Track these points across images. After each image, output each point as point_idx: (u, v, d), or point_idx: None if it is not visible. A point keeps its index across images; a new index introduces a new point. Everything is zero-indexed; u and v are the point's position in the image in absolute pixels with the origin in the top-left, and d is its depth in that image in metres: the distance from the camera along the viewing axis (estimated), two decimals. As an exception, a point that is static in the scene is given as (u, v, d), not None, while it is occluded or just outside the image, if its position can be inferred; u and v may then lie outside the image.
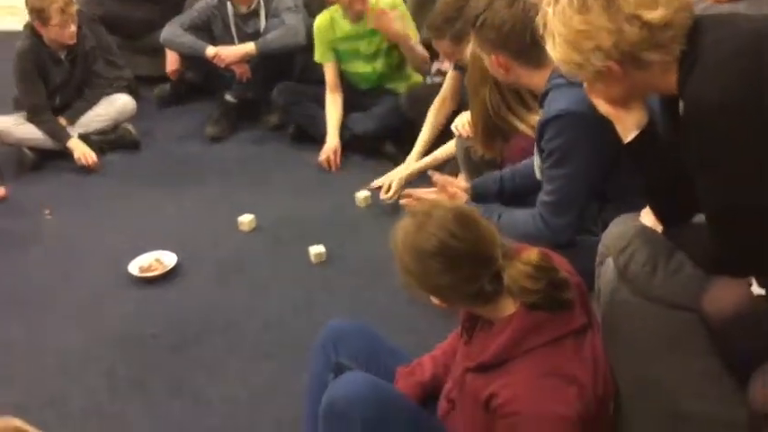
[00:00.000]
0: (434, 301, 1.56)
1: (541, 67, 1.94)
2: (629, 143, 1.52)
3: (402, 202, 2.40)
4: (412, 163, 3.22)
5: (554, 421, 1.39)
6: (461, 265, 1.46)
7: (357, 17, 3.49)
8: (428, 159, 3.16)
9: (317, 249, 2.89)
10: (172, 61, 4.16)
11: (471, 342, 1.58)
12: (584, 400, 1.42)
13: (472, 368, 1.50)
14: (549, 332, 1.44)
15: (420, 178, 3.02)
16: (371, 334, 1.90)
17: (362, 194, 3.22)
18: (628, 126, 1.51)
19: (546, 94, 1.93)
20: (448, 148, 3.08)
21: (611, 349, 1.57)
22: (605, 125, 1.80)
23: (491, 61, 2.00)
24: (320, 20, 3.59)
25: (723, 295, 1.45)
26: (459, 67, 3.01)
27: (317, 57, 3.63)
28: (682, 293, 1.53)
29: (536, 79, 1.97)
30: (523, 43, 1.90)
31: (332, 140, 3.58)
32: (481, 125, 2.36)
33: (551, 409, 1.39)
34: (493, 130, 2.35)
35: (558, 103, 1.86)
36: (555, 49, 1.43)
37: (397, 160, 3.38)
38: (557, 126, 1.86)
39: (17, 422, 1.10)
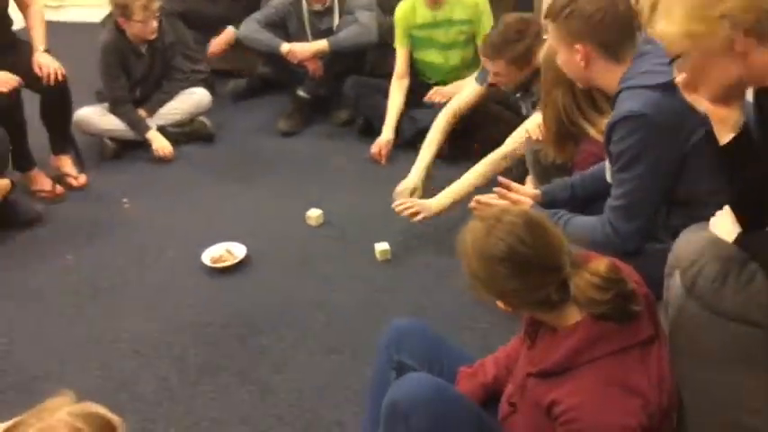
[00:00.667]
0: (499, 304, 1.57)
1: (621, 63, 1.93)
2: (727, 144, 1.47)
3: (471, 205, 2.42)
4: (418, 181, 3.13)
5: None
6: (529, 272, 1.46)
7: (435, 3, 3.53)
8: (452, 193, 2.91)
9: (382, 247, 2.92)
10: (217, 43, 4.26)
11: (534, 347, 1.58)
12: (648, 411, 1.40)
13: (534, 373, 1.51)
14: (614, 342, 1.43)
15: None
16: (434, 334, 1.92)
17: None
18: (728, 126, 1.47)
19: (617, 95, 1.91)
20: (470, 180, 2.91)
21: (677, 362, 1.56)
22: (674, 128, 1.79)
23: (572, 53, 1.96)
24: (402, 5, 3.65)
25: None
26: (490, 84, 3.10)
27: (396, 41, 3.69)
28: (751, 308, 1.50)
29: (612, 76, 1.94)
30: (611, 34, 1.90)
31: (385, 134, 3.63)
32: (554, 128, 2.34)
33: (614, 420, 1.38)
34: (565, 133, 2.34)
35: (628, 104, 1.85)
36: (671, 24, 1.37)
37: (452, 158, 3.43)
38: (626, 127, 1.85)
39: (96, 408, 1.14)
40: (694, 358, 1.59)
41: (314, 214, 3.17)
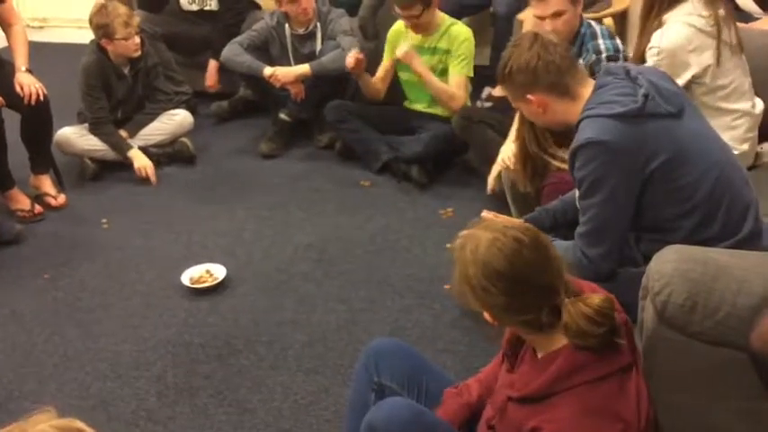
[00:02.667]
0: (486, 316, 1.58)
1: (576, 98, 2.00)
2: None
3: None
4: None
5: None
6: (524, 292, 1.45)
7: (419, 32, 3.63)
8: None
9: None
10: (210, 76, 4.32)
11: (514, 370, 1.60)
12: None
13: (515, 399, 1.51)
14: (595, 370, 1.44)
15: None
16: (414, 355, 1.92)
17: None
18: None
19: (578, 124, 1.98)
20: None
21: (651, 385, 1.58)
22: (633, 154, 1.85)
23: (528, 105, 2.05)
24: (396, 25, 3.76)
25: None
26: None
27: (385, 53, 3.82)
28: (721, 332, 1.53)
29: (572, 111, 2.01)
30: (552, 76, 1.98)
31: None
32: (522, 160, 2.44)
33: None
34: (532, 165, 2.43)
35: (588, 131, 1.91)
36: None
37: (425, 185, 3.57)
38: (586, 154, 1.91)
39: (79, 424, 1.14)
40: (668, 382, 1.62)
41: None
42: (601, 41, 2.82)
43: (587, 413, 1.41)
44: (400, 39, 3.69)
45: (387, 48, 3.80)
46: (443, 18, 3.63)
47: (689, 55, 2.49)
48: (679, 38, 2.49)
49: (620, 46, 2.85)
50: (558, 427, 1.41)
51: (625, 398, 1.44)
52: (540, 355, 1.52)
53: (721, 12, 2.51)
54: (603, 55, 2.77)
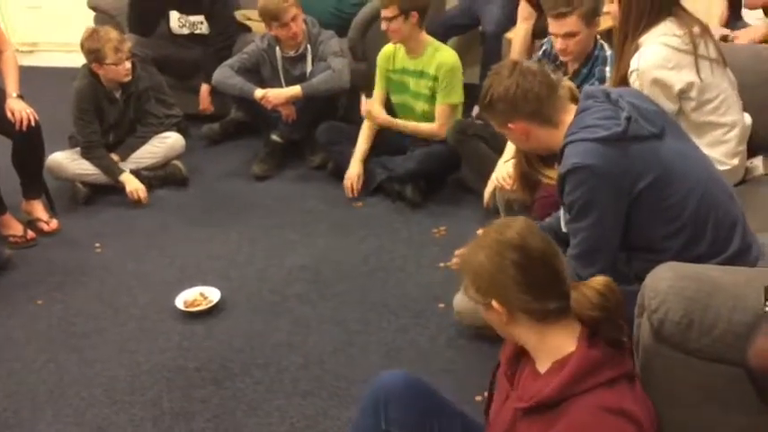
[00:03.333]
0: (490, 315, 1.55)
1: (558, 125, 2.01)
2: None
3: (450, 264, 2.41)
4: None
5: None
6: (536, 269, 1.49)
7: (409, 52, 3.65)
8: None
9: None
10: (203, 99, 4.34)
11: (513, 389, 1.59)
12: None
13: (527, 409, 1.49)
14: (607, 373, 1.45)
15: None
16: (425, 394, 1.84)
17: None
18: None
19: (563, 149, 1.99)
20: None
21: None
22: (618, 176, 1.88)
23: (511, 132, 2.07)
24: (385, 48, 3.76)
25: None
26: None
27: (376, 81, 3.82)
28: (719, 348, 1.54)
29: (554, 138, 2.02)
30: (531, 103, 1.99)
31: (353, 167, 3.75)
32: (520, 177, 2.47)
33: None
34: (528, 178, 2.45)
35: (572, 157, 1.93)
36: None
37: (418, 204, 3.59)
38: (573, 179, 1.93)
39: None
40: (667, 399, 1.62)
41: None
42: (607, 69, 2.85)
43: (605, 411, 1.41)
44: (389, 61, 3.72)
45: (377, 74, 3.79)
46: (429, 41, 3.64)
47: (669, 73, 2.52)
48: (656, 58, 2.51)
49: None
50: (581, 428, 1.41)
51: (636, 402, 1.45)
52: (541, 370, 1.52)
53: (696, 29, 2.55)
54: (607, 84, 2.79)
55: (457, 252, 2.28)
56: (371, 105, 3.82)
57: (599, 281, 1.50)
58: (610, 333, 1.48)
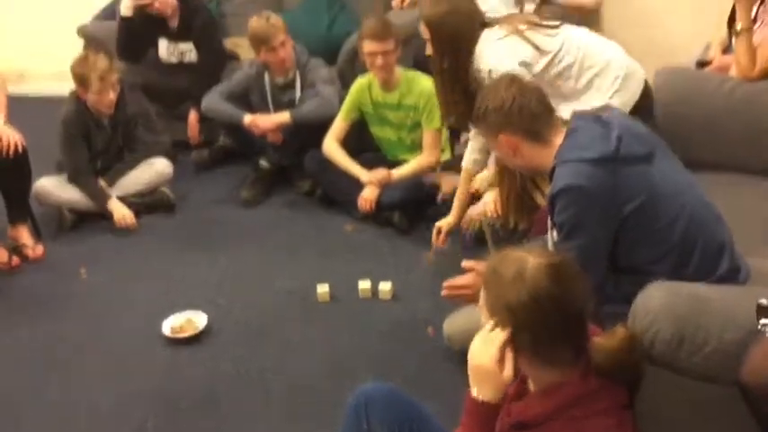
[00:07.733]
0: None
1: (548, 144, 2.03)
2: None
3: (443, 294, 2.33)
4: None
5: None
6: (551, 313, 1.39)
7: (385, 85, 3.63)
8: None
9: (322, 288, 3.07)
10: (192, 128, 4.34)
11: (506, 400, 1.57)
12: None
13: (511, 424, 1.48)
14: (598, 403, 1.41)
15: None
16: (404, 400, 1.88)
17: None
18: None
19: (553, 170, 2.00)
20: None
21: (641, 422, 1.57)
22: (608, 197, 1.90)
23: (500, 145, 2.08)
24: (361, 80, 3.74)
25: (764, 365, 1.45)
26: None
27: (342, 111, 3.75)
28: (709, 368, 1.54)
29: (543, 156, 2.04)
30: (526, 119, 2.01)
31: (371, 174, 3.63)
32: (511, 199, 2.50)
33: None
34: (521, 202, 2.47)
35: (563, 177, 1.94)
36: None
37: (405, 230, 3.58)
38: (564, 199, 1.94)
39: None
40: (658, 418, 1.61)
41: (322, 290, 3.11)
42: None
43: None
44: (364, 93, 3.70)
45: (346, 104, 3.73)
46: (400, 71, 3.63)
47: (513, 60, 2.63)
48: (497, 52, 2.64)
49: None
50: None
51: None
52: (533, 387, 1.49)
53: (521, 27, 2.69)
54: None
55: (446, 283, 2.28)
56: (327, 139, 3.75)
57: (620, 330, 1.43)
58: (621, 368, 1.44)
